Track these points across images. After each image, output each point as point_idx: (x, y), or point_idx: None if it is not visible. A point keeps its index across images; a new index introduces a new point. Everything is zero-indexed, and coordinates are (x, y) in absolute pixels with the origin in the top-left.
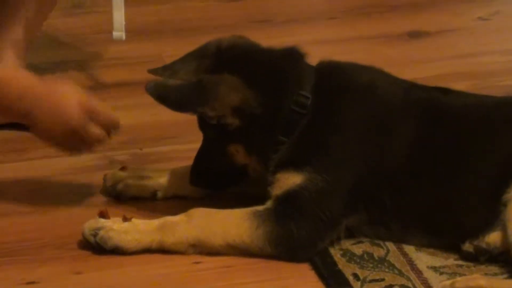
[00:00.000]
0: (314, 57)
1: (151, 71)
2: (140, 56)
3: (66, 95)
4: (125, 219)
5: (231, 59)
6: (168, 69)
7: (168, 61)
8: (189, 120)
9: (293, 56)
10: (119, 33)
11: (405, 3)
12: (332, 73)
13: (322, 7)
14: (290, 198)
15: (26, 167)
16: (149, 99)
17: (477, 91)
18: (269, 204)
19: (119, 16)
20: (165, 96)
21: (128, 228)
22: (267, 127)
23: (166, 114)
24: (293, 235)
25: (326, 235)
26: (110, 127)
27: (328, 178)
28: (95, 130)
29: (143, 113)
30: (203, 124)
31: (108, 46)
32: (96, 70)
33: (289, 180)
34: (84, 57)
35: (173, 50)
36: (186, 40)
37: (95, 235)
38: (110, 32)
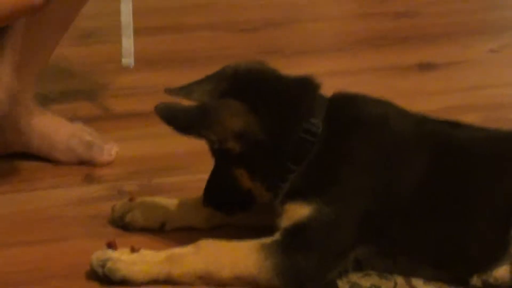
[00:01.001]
0: (323, 89)
1: (167, 91)
2: (150, 86)
3: None
4: (133, 250)
5: (245, 83)
6: (184, 90)
7: None
8: (199, 151)
9: (307, 84)
10: (128, 59)
11: (415, 35)
12: (345, 104)
13: (331, 40)
14: (298, 230)
15: (34, 198)
16: (159, 130)
17: (487, 124)
18: (277, 236)
19: (128, 43)
20: (172, 118)
21: (136, 259)
22: (273, 153)
23: (176, 145)
24: (301, 267)
25: (334, 267)
26: None
27: (337, 210)
28: None
29: (153, 144)
30: (211, 147)
31: (118, 76)
32: (106, 100)
33: (297, 212)
34: (94, 87)
35: (183, 80)
36: (196, 70)
37: (103, 266)
38: (120, 61)
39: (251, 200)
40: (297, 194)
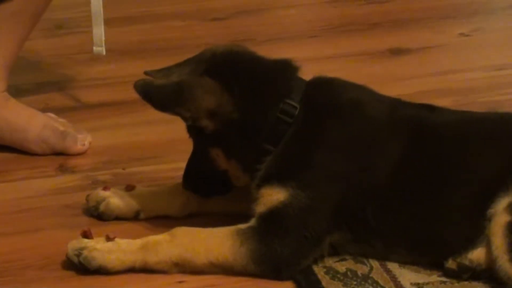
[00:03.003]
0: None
1: (147, 73)
2: (122, 76)
3: None
4: (108, 239)
5: (223, 64)
6: (163, 71)
7: None
8: (171, 140)
9: (285, 66)
10: (99, 48)
11: (386, 20)
12: (322, 87)
13: (303, 26)
14: (273, 215)
15: (8, 189)
16: (132, 119)
17: (459, 108)
18: (252, 222)
19: (98, 31)
20: (149, 94)
21: (111, 248)
22: (247, 132)
23: (148, 134)
24: (277, 253)
25: (309, 253)
26: None
27: (312, 195)
28: None
29: (126, 133)
30: (189, 127)
31: (90, 66)
32: (78, 90)
33: (272, 197)
34: (66, 78)
35: None
36: (169, 59)
37: (78, 255)
38: (91, 52)
39: (228, 182)
40: (272, 178)
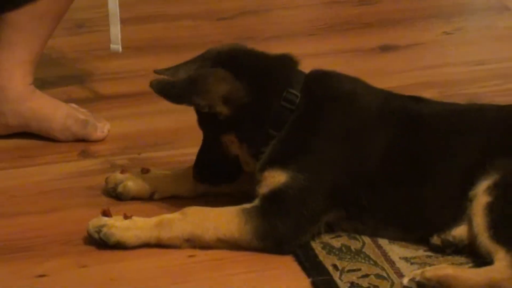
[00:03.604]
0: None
1: (157, 71)
2: (137, 70)
3: None
4: (126, 217)
5: (229, 59)
6: (171, 69)
7: None
8: (183, 127)
9: (286, 60)
10: (116, 46)
11: (376, 20)
12: (320, 79)
13: (301, 25)
14: (275, 196)
15: (35, 172)
16: (146, 109)
17: (443, 99)
18: (256, 202)
19: (115, 30)
20: (165, 90)
21: (128, 225)
22: (257, 117)
23: (162, 123)
24: (278, 230)
25: (307, 230)
26: None
27: (310, 177)
28: None
29: (141, 122)
30: (201, 119)
31: (107, 62)
32: (98, 83)
33: (274, 179)
34: (86, 72)
35: (167, 65)
36: (179, 55)
37: (99, 232)
38: (109, 48)
39: (237, 169)
40: (275, 162)
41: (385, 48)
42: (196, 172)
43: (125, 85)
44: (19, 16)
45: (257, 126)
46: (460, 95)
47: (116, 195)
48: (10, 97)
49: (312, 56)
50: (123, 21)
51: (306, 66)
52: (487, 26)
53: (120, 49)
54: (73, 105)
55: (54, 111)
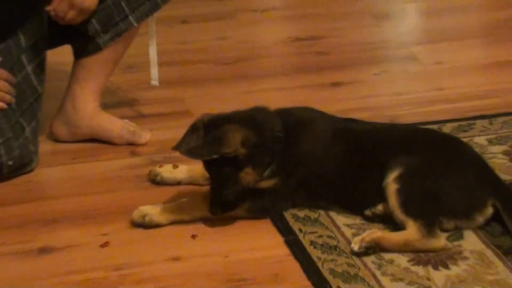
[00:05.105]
0: (275, 99)
1: (174, 148)
2: (168, 98)
3: None
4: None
5: (218, 121)
6: (182, 143)
7: (188, 101)
8: None
9: (264, 110)
10: (154, 81)
11: (329, 65)
12: (289, 116)
13: (278, 68)
14: (265, 190)
15: (99, 165)
16: (174, 124)
17: (372, 119)
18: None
19: (154, 70)
20: (198, 152)
21: (161, 211)
22: (262, 152)
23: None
24: (263, 206)
25: (281, 207)
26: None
27: (286, 179)
28: None
29: (172, 132)
30: (216, 165)
31: (149, 92)
32: (141, 106)
33: (266, 183)
34: (134, 99)
35: (192, 95)
36: (198, 88)
37: (143, 218)
38: (150, 83)
39: (245, 192)
40: (267, 177)
41: (335, 84)
42: (215, 209)
43: (160, 108)
44: (89, 60)
45: (263, 157)
46: (384, 116)
47: (155, 182)
48: (84, 116)
49: (285, 90)
50: (160, 64)
51: (281, 96)
52: (403, 70)
53: (158, 84)
54: (126, 120)
55: (113, 125)
